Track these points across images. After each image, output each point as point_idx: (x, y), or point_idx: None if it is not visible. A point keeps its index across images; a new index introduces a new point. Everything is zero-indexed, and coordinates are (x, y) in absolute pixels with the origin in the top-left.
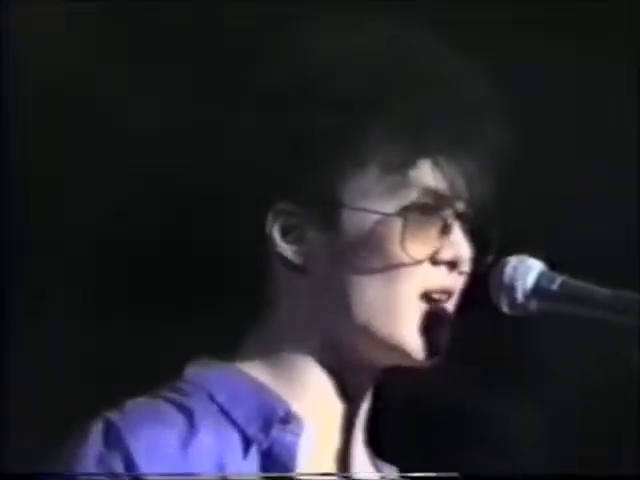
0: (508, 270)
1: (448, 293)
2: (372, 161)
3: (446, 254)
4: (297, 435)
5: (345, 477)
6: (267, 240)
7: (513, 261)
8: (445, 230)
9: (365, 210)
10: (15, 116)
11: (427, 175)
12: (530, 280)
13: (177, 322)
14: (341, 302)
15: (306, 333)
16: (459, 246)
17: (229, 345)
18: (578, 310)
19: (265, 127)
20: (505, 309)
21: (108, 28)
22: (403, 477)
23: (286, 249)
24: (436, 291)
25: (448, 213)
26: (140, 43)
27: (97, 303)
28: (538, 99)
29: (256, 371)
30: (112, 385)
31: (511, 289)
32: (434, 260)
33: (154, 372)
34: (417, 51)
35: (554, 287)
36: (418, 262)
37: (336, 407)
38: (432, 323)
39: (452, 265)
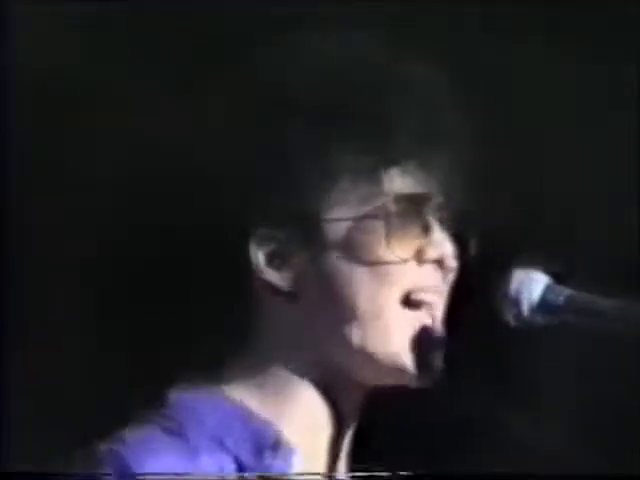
0: (514, 283)
1: (438, 293)
2: (344, 173)
3: (430, 253)
4: (287, 461)
5: (339, 477)
6: (251, 267)
7: (519, 274)
8: (426, 230)
9: (346, 219)
10: (15, 116)
11: (399, 181)
12: (536, 293)
13: (164, 344)
14: (332, 322)
15: (296, 356)
16: (441, 244)
17: (217, 370)
18: (585, 323)
19: (236, 144)
20: (511, 322)
21: (108, 28)
22: (392, 477)
23: (272, 275)
24: (426, 290)
25: (426, 214)
26: (140, 42)
27: (97, 304)
28: (539, 102)
29: (245, 396)
30: (112, 385)
31: (517, 302)
32: (420, 260)
33: (149, 378)
34: (382, 60)
35: (560, 301)
36: (405, 261)
37: (326, 430)
38: (424, 338)
39: (438, 264)
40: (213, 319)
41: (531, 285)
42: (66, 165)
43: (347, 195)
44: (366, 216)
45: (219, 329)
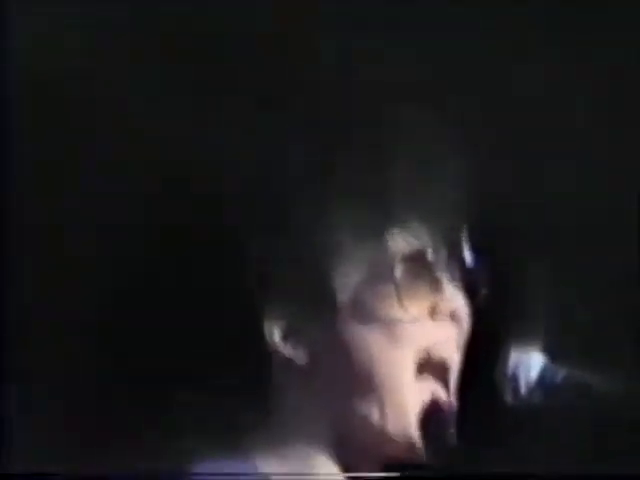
0: (511, 363)
1: (454, 346)
2: (348, 238)
3: (444, 308)
4: None
5: (348, 477)
6: (267, 344)
7: (516, 353)
8: (436, 285)
9: (355, 284)
10: (15, 116)
11: (403, 239)
12: (533, 374)
13: (182, 415)
14: (347, 394)
15: (314, 428)
16: (453, 297)
17: (237, 440)
18: (583, 403)
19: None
20: (508, 400)
21: (108, 28)
22: (401, 477)
23: (288, 350)
24: (442, 345)
25: (434, 268)
26: (141, 42)
27: (98, 303)
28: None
29: (264, 466)
30: (113, 385)
31: (514, 381)
32: (434, 316)
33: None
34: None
35: (557, 381)
36: (419, 319)
37: None
38: (437, 416)
39: (451, 317)
40: (232, 392)
41: (528, 365)
42: (66, 165)
43: (354, 260)
44: (375, 279)
45: (238, 401)
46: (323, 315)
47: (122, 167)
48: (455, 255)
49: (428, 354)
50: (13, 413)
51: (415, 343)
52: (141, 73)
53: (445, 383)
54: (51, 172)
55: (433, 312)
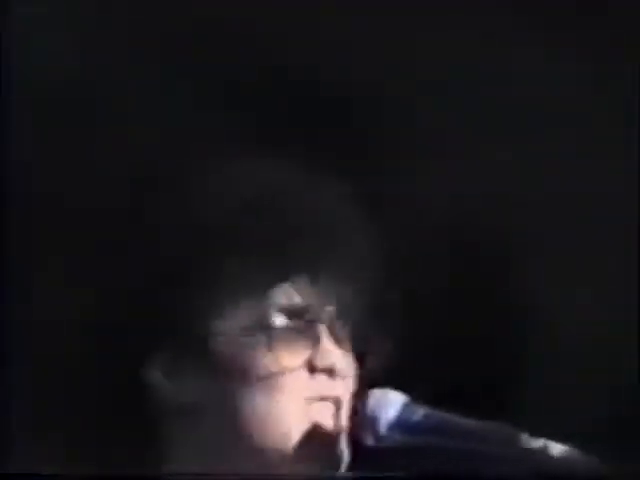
0: (371, 402)
1: (335, 402)
2: (232, 289)
3: (319, 363)
4: None
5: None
6: (149, 384)
7: (375, 393)
8: (313, 340)
9: (231, 333)
10: (15, 115)
11: (285, 295)
12: (392, 411)
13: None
14: (235, 435)
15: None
16: (329, 354)
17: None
18: (444, 441)
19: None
20: (369, 442)
21: (108, 28)
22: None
23: (170, 389)
24: (320, 399)
25: (316, 324)
26: (140, 42)
27: (98, 303)
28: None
29: None
30: (113, 385)
31: (374, 421)
32: (311, 370)
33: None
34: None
35: (417, 418)
36: (293, 371)
37: None
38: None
39: (328, 373)
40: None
41: (387, 403)
42: (66, 165)
43: (237, 311)
44: (250, 329)
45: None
46: (203, 358)
47: (122, 167)
48: (342, 315)
49: (307, 394)
50: (13, 413)
51: (293, 385)
52: (141, 73)
53: (324, 433)
54: (51, 172)
55: (309, 366)
